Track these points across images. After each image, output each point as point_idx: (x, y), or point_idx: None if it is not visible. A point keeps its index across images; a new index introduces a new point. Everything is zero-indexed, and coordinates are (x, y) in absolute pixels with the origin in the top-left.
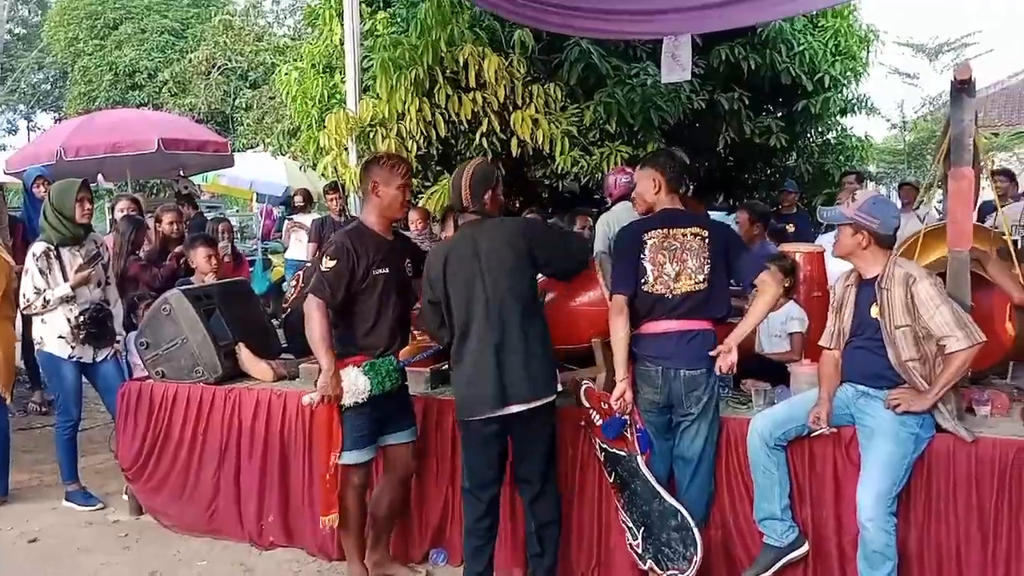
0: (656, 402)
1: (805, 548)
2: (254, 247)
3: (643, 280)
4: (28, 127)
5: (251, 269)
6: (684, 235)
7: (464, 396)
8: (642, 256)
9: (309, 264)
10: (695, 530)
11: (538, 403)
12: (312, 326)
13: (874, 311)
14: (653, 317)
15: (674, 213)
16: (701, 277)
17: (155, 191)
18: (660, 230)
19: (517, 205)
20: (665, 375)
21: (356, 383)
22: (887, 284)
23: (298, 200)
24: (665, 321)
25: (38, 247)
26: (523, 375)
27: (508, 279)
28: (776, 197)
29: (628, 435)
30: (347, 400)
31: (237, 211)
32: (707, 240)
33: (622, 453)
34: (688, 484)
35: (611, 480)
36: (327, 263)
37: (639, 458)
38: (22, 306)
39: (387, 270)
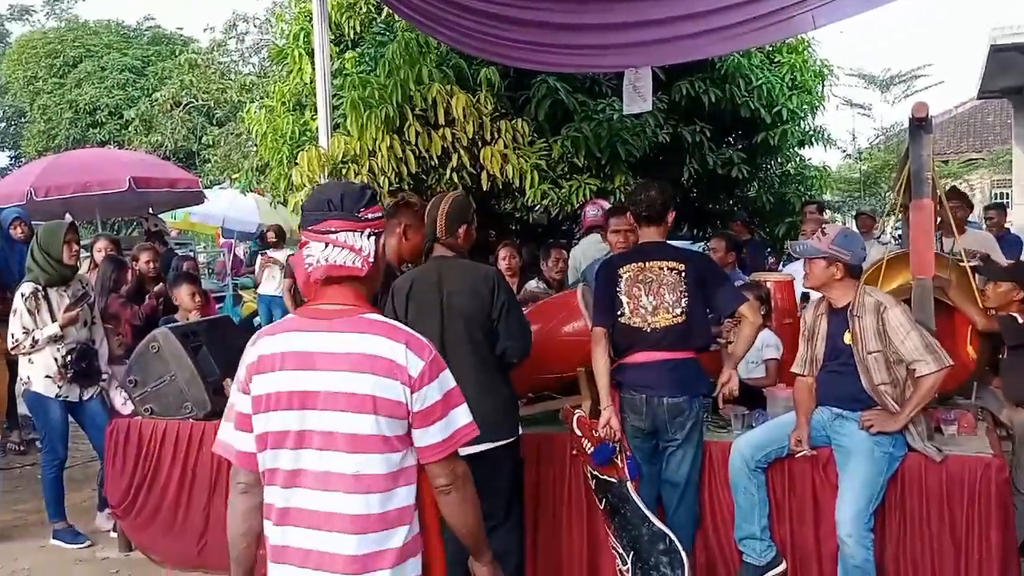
0: (642, 428)
1: (783, 567)
2: (223, 283)
3: (619, 312)
4: None
5: (219, 307)
6: (660, 269)
7: None
8: (618, 289)
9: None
10: (682, 553)
11: (489, 446)
12: None
13: (847, 338)
14: (635, 349)
15: (650, 247)
16: (679, 311)
17: (118, 229)
18: (636, 264)
19: (493, 235)
20: (648, 403)
21: None
22: (859, 312)
23: (271, 236)
24: (646, 353)
25: (26, 287)
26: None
27: (466, 324)
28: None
29: (618, 462)
30: None
31: (205, 247)
32: (683, 274)
33: (612, 480)
34: (676, 507)
35: (601, 506)
36: None
37: (629, 484)
38: (10, 346)
39: None
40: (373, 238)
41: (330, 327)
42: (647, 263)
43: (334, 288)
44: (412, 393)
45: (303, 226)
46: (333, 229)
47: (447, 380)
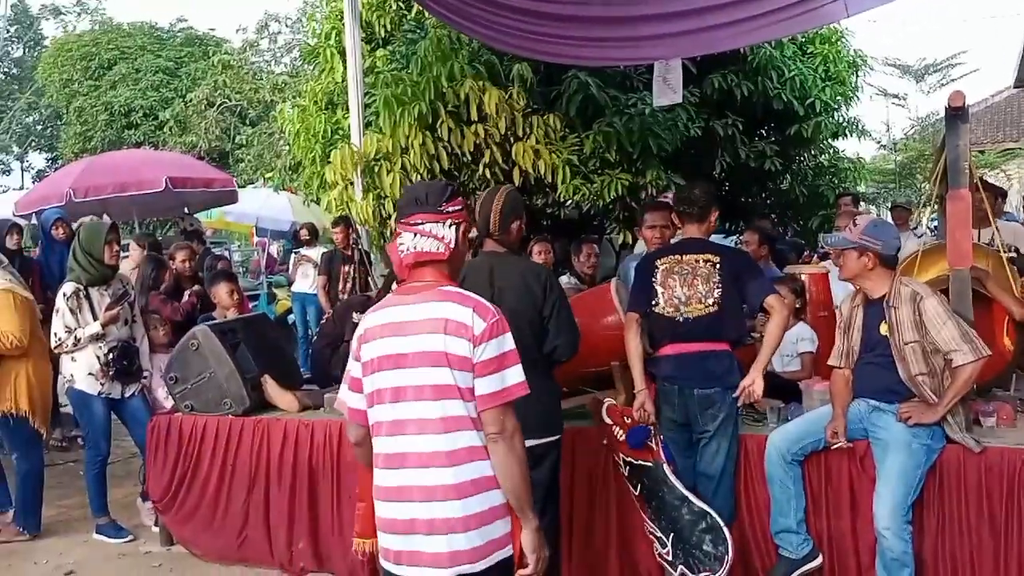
0: (675, 420)
1: (819, 560)
2: (257, 281)
3: (654, 302)
4: (22, 168)
5: (252, 305)
6: (696, 261)
7: None
8: (653, 279)
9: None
10: (725, 529)
11: (533, 443)
12: None
13: (883, 329)
14: (668, 340)
15: (688, 241)
16: (711, 300)
17: (154, 229)
18: (672, 256)
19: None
20: (680, 394)
21: None
22: (895, 302)
23: (304, 234)
24: (679, 344)
25: (68, 287)
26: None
27: (515, 321)
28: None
29: (653, 445)
30: None
31: (239, 246)
32: (718, 266)
33: (647, 463)
34: (711, 500)
35: (636, 492)
36: None
37: (665, 466)
38: (53, 345)
39: None
40: (454, 227)
41: (415, 300)
42: (684, 256)
43: (422, 269)
44: (474, 348)
45: (397, 220)
46: (420, 221)
47: (506, 342)
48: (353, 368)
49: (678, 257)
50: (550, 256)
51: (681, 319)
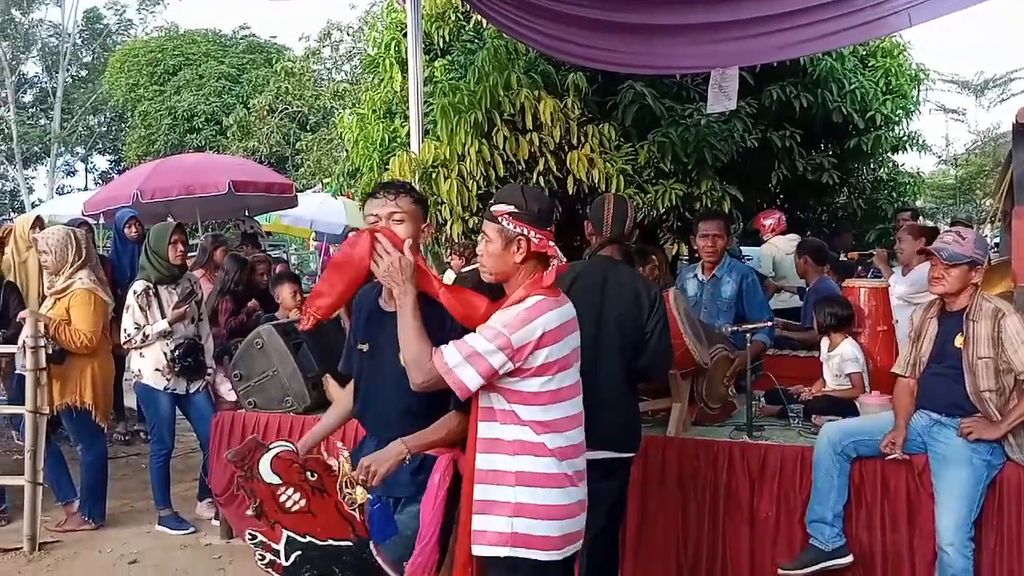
0: None
1: (849, 559)
2: (311, 283)
3: None
4: (86, 169)
5: None
6: None
7: None
8: None
9: None
10: None
11: (603, 455)
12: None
13: (958, 341)
14: None
15: None
16: None
17: (215, 230)
18: None
19: (579, 241)
20: None
21: None
22: (975, 316)
23: None
24: None
25: (139, 285)
26: (598, 424)
27: (620, 331)
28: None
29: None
30: None
31: (296, 249)
32: None
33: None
34: None
35: None
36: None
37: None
38: (122, 340)
39: None
40: None
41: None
42: None
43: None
44: None
45: (543, 228)
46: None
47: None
48: (496, 361)
49: None
50: None
51: None
